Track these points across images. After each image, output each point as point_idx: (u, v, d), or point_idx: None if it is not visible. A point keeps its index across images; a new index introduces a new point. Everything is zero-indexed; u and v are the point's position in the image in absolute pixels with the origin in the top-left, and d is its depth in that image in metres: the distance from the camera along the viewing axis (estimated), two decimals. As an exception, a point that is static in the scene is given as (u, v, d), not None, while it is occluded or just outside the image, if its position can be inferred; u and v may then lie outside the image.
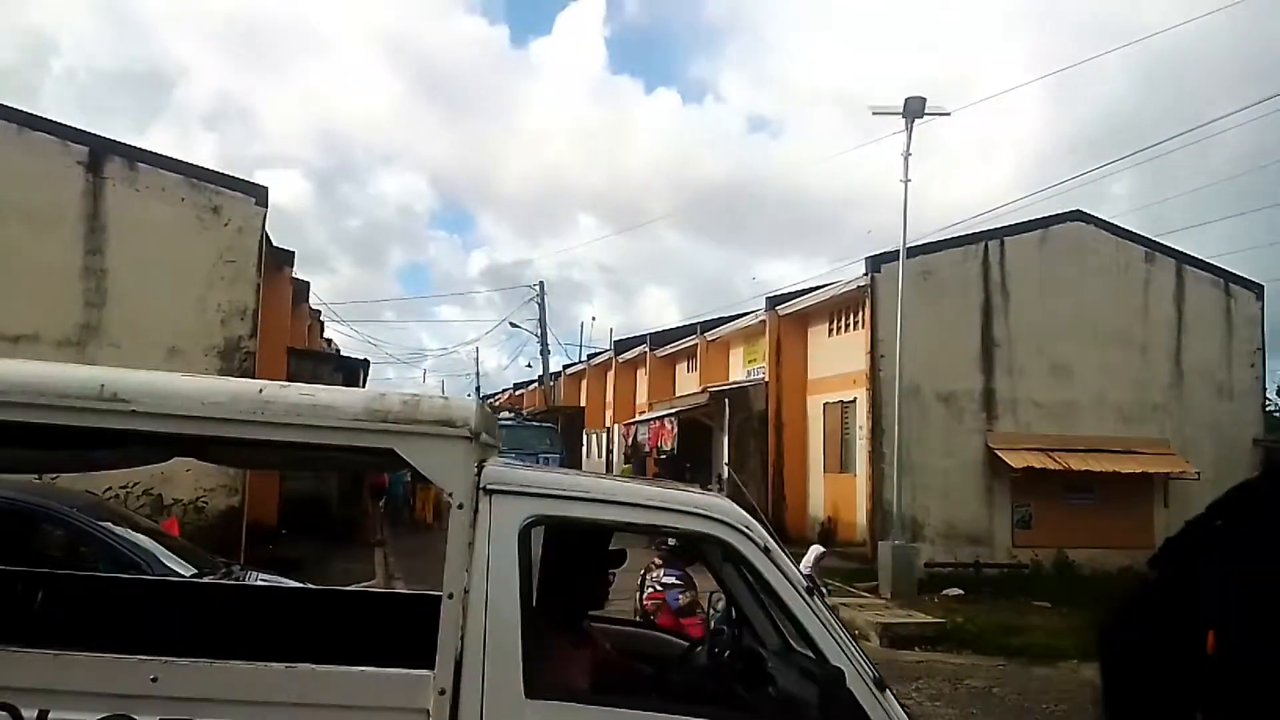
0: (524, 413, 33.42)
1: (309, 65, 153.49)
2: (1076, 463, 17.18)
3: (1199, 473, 16.80)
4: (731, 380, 25.50)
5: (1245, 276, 19.63)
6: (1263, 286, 19.52)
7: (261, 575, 7.32)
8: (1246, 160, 60.96)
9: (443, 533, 2.84)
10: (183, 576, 6.13)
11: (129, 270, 13.46)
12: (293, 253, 18.37)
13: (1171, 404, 18.37)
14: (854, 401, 19.47)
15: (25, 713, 2.57)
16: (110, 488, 11.50)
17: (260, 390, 2.86)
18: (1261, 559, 2.97)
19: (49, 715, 2.56)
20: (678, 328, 33.25)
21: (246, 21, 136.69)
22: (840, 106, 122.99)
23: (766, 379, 22.55)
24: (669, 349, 32.08)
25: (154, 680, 2.65)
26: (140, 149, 14.26)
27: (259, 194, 14.21)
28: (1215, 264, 19.59)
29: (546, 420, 29.01)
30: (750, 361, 25.71)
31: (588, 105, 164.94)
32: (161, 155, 14.22)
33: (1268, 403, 21.84)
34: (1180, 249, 19.63)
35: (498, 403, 38.29)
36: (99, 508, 6.99)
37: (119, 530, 6.32)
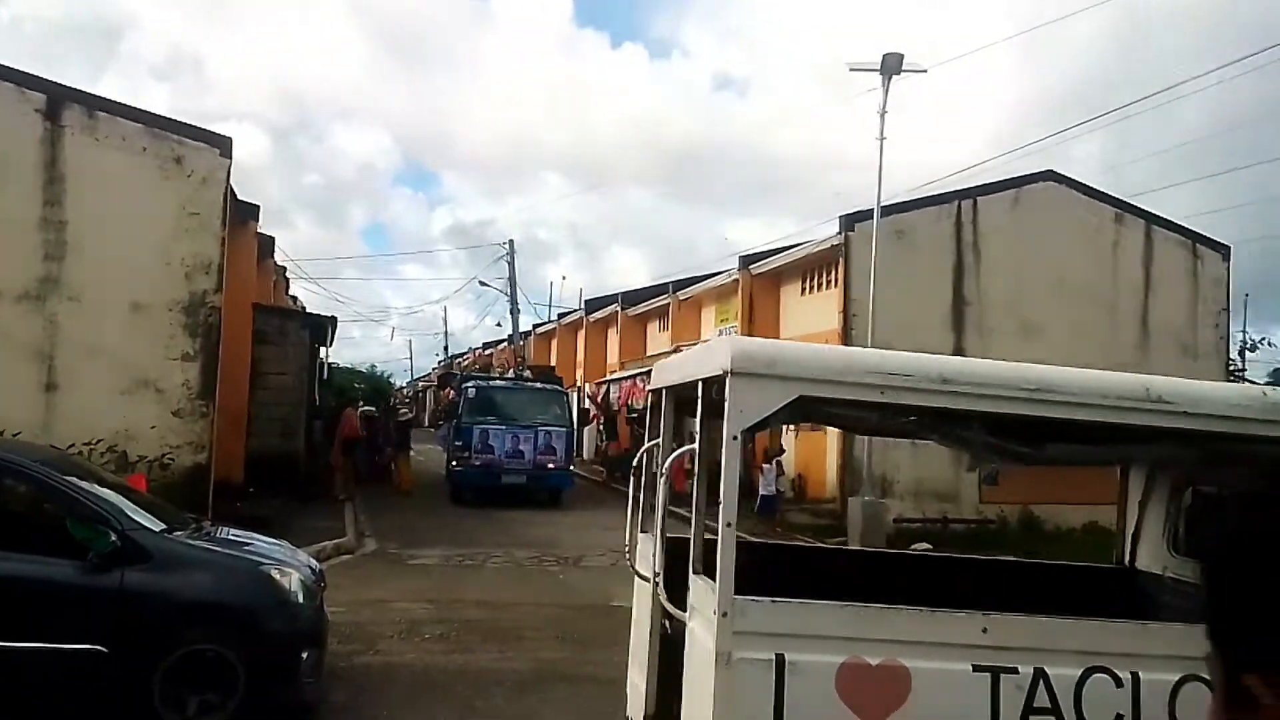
0: (522, 372, 24.72)
1: (265, 15, 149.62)
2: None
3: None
4: (703, 339, 25.47)
5: (1212, 238, 19.84)
6: (1229, 247, 19.76)
7: (232, 530, 7.22)
8: (1214, 123, 61.48)
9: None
10: (151, 531, 6.02)
11: (89, 222, 13.09)
12: (258, 206, 18.00)
13: (1138, 364, 18.55)
14: (825, 360, 19.52)
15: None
16: (73, 444, 11.32)
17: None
18: None
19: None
20: (649, 287, 33.14)
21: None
22: (809, 65, 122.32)
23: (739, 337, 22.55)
24: (640, 308, 31.99)
25: (984, 631, 3.32)
26: (100, 97, 13.78)
27: (223, 145, 13.82)
28: (1183, 225, 19.77)
29: (548, 380, 22.25)
30: (722, 321, 25.69)
31: (553, 60, 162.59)
32: (122, 104, 13.75)
33: (1230, 363, 22.22)
34: (1150, 210, 19.79)
35: (465, 361, 35.95)
36: (62, 461, 6.84)
37: (84, 484, 6.16)
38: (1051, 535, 16.81)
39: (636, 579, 4.86)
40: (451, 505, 18.83)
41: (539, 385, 21.40)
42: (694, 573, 3.76)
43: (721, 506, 3.42)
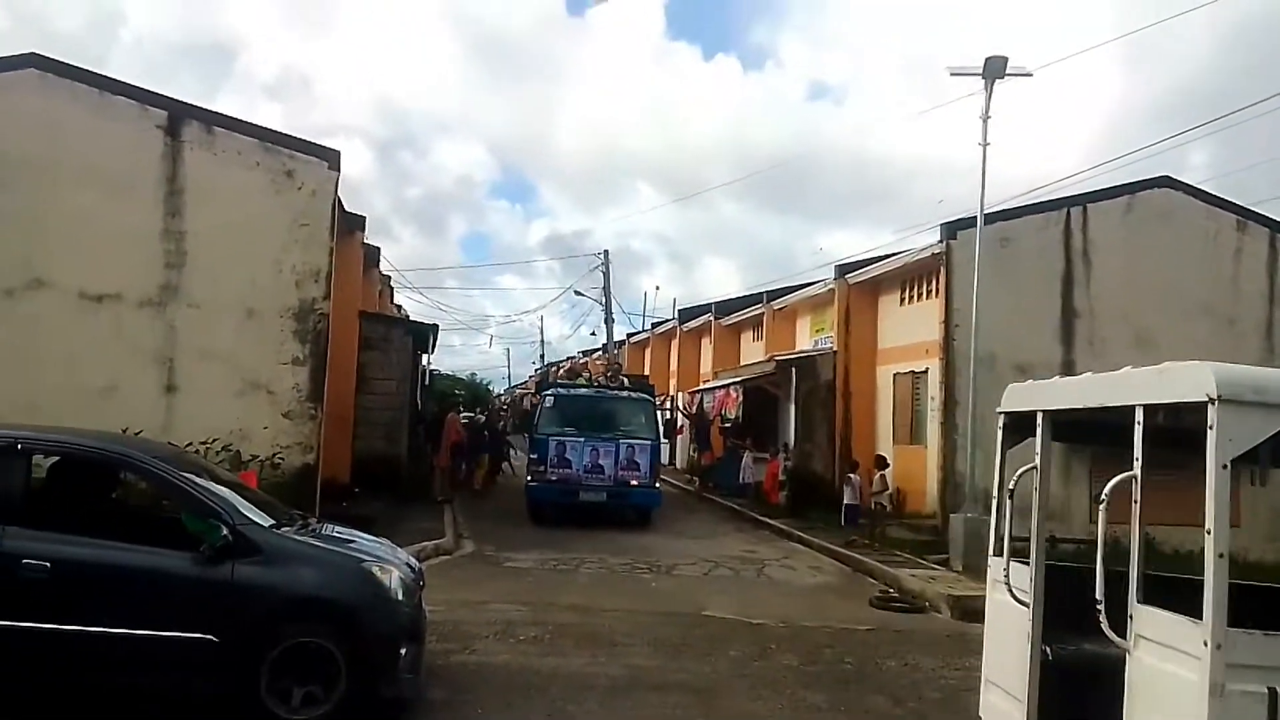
0: (613, 380, 20.86)
1: (368, 34, 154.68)
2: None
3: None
4: (798, 350, 25.18)
5: (1345, 246, 18.66)
6: (1363, 256, 18.54)
7: (337, 528, 7.42)
8: (1345, 127, 57.92)
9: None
10: (261, 526, 6.23)
11: (207, 232, 13.74)
12: (364, 218, 18.58)
13: (1262, 378, 17.61)
14: (925, 372, 19.07)
15: None
16: (190, 443, 11.81)
17: None
18: None
19: None
20: (743, 297, 32.93)
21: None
22: (904, 72, 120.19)
23: (835, 348, 22.20)
24: (734, 318, 31.82)
25: None
26: (216, 113, 14.48)
27: (331, 158, 14.34)
28: (1313, 233, 18.66)
29: (637, 389, 19.52)
30: (817, 331, 25.34)
31: (646, 73, 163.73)
32: (237, 119, 14.43)
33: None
34: (1274, 217, 18.75)
35: (564, 366, 35.52)
36: (180, 459, 7.12)
37: (200, 480, 6.42)
38: (1170, 557, 15.94)
39: (992, 603, 5.13)
40: (532, 524, 17.21)
41: (624, 394, 18.91)
42: (1138, 602, 3.76)
43: (1212, 536, 3.45)
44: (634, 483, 17.43)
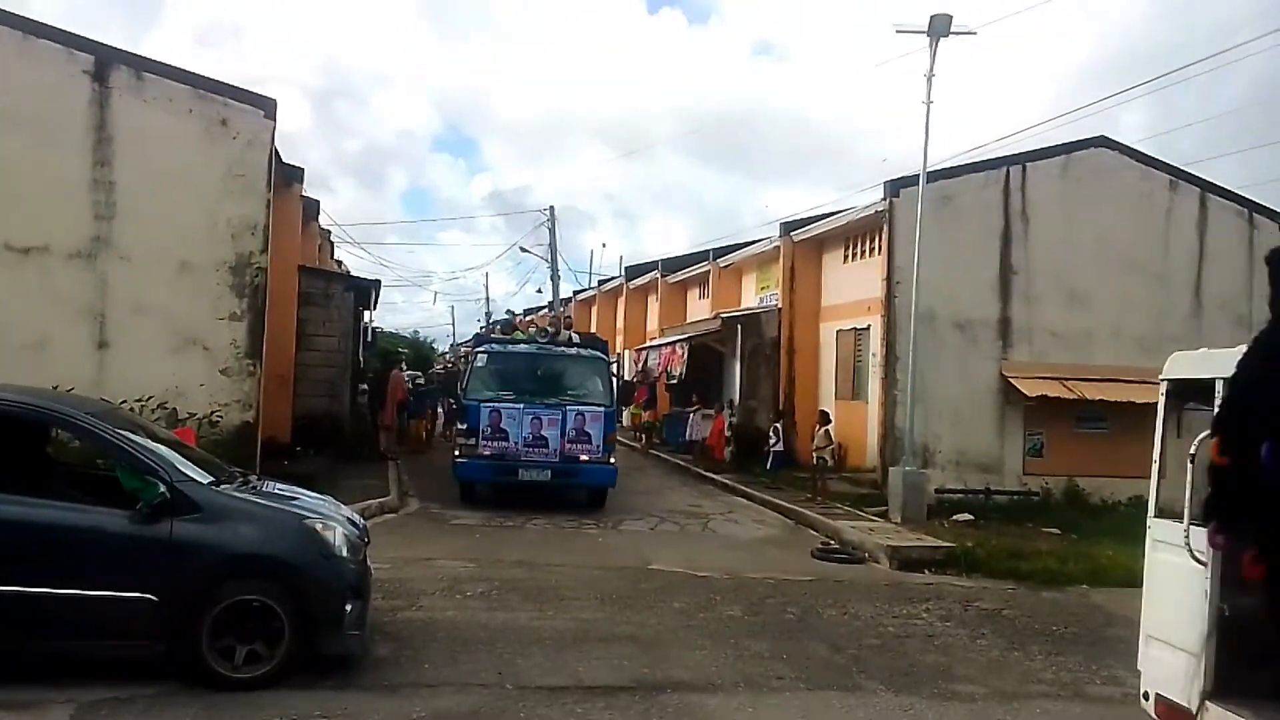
0: (557, 334, 16.70)
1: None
2: (1091, 392, 17.08)
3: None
4: (744, 307, 25.33)
5: (1270, 207, 19.24)
6: (1289, 216, 19.14)
7: (278, 485, 7.33)
8: (1266, 90, 59.45)
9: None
10: (200, 483, 6.13)
11: (138, 182, 13.28)
12: (302, 170, 18.12)
13: (1190, 335, 18.07)
14: (868, 328, 19.33)
15: None
16: (125, 400, 11.53)
17: None
18: None
19: None
20: (690, 254, 32.95)
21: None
22: (849, 29, 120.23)
23: (780, 305, 22.38)
24: (681, 275, 31.86)
25: None
26: (147, 58, 13.92)
27: (268, 106, 13.92)
28: (1240, 193, 19.19)
29: (588, 345, 16.44)
30: (763, 288, 25.49)
31: (590, 25, 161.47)
32: (169, 65, 13.90)
33: (1286, 335, 21.62)
34: (1205, 178, 19.23)
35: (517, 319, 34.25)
36: (114, 414, 6.96)
37: (136, 437, 6.28)
38: (1097, 508, 16.57)
39: (1157, 563, 5.41)
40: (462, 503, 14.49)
41: (572, 351, 15.75)
42: None
43: None
44: (584, 458, 14.38)
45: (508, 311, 33.71)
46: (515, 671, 6.66)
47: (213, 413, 13.04)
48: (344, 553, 6.29)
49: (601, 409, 14.70)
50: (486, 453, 14.18)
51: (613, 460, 14.87)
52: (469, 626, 7.70)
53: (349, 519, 6.87)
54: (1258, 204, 19.15)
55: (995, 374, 17.49)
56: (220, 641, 5.82)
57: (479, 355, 15.60)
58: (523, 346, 15.80)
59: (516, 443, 14.18)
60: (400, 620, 7.71)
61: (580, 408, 14.54)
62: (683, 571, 10.56)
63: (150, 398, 12.57)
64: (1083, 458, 17.28)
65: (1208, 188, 18.90)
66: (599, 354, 16.10)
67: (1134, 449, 17.03)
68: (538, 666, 6.83)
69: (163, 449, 6.37)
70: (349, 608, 6.14)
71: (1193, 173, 19.22)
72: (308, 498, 7.02)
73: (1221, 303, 18.36)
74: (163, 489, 5.83)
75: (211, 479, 6.37)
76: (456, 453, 14.63)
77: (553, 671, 6.77)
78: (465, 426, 14.64)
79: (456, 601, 8.55)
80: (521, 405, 14.37)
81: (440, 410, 25.63)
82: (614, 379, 16.32)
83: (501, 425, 14.21)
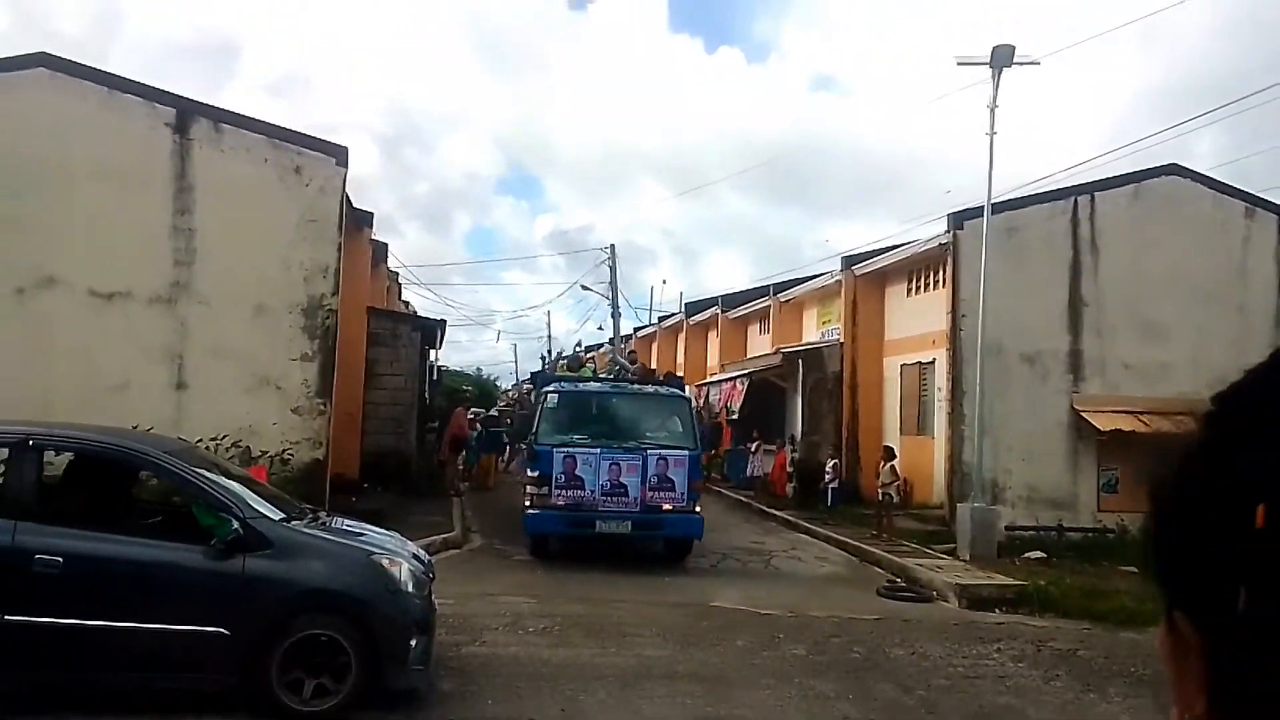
0: (628, 367, 17.47)
1: (370, 30, 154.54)
2: (1168, 426, 16.54)
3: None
4: (805, 341, 25.18)
5: (1353, 232, 18.55)
6: (1372, 242, 18.44)
7: (346, 521, 7.49)
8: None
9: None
10: (271, 520, 6.29)
11: (216, 229, 13.81)
12: (371, 214, 18.64)
13: (1271, 366, 17.52)
14: (933, 362, 19.06)
15: None
16: (200, 439, 11.89)
17: None
18: None
19: None
20: (749, 290, 32.91)
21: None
22: (909, 62, 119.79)
23: (841, 340, 22.20)
24: (741, 310, 31.81)
25: None
26: (224, 110, 14.54)
27: (339, 154, 14.39)
28: (1321, 219, 18.55)
29: (667, 382, 16.05)
30: (824, 323, 25.34)
31: (649, 66, 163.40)
32: (245, 116, 14.48)
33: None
34: (1283, 204, 18.65)
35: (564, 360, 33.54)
36: (191, 454, 7.20)
37: (211, 475, 6.49)
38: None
39: None
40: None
41: (649, 389, 14.83)
42: None
43: None
44: (667, 507, 12.99)
45: (576, 345, 33.01)
46: (578, 708, 6.67)
47: (284, 450, 13.38)
48: (409, 588, 6.40)
49: (685, 453, 13.23)
50: (560, 503, 12.81)
51: (699, 509, 13.47)
52: (531, 662, 7.74)
53: (414, 555, 6.99)
54: (1340, 229, 18.48)
55: (1066, 407, 17.06)
56: (289, 675, 5.95)
57: (549, 395, 13.80)
58: (595, 385, 14.85)
59: (593, 491, 12.82)
60: (464, 655, 7.78)
61: (662, 451, 13.11)
62: (745, 609, 10.46)
63: (225, 436, 12.95)
64: (1160, 494, 16.71)
65: (1286, 214, 18.33)
66: (679, 393, 15.02)
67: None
68: (600, 704, 6.82)
69: (236, 486, 6.58)
70: (414, 643, 6.22)
71: (1269, 199, 18.67)
72: (374, 534, 7.16)
73: (1304, 332, 17.72)
74: (236, 525, 6.00)
75: (282, 515, 6.54)
76: (527, 503, 13.08)
77: (615, 709, 6.76)
78: (536, 474, 13.05)
79: (519, 637, 8.59)
80: (599, 450, 13.00)
81: (509, 446, 25.92)
82: (696, 420, 14.81)
83: (576, 472, 12.84)
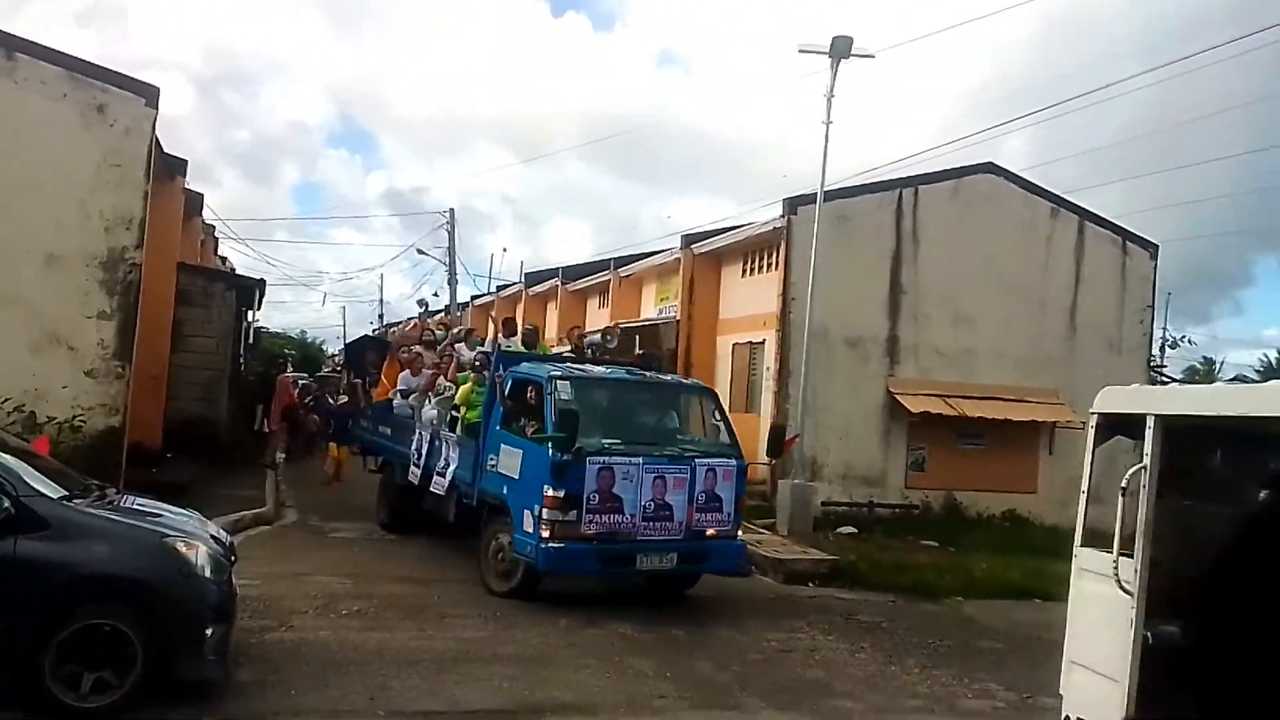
0: (606, 347, 13.98)
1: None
2: (971, 409, 17.67)
3: (1084, 422, 17.40)
4: (643, 317, 25.35)
5: (1142, 235, 20.26)
6: (1158, 246, 20.21)
7: (139, 499, 6.92)
8: (1143, 123, 62.97)
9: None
10: (49, 498, 5.73)
11: (3, 168, 12.44)
12: (185, 161, 17.28)
13: (1064, 356, 18.98)
14: (763, 343, 19.56)
15: None
16: (-22, 403, 10.78)
17: None
18: None
19: None
20: (591, 262, 32.83)
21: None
22: (755, 45, 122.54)
23: (678, 317, 22.47)
24: (581, 283, 31.70)
25: None
26: (19, 37, 13.01)
27: (149, 94, 13.22)
28: (1115, 222, 20.16)
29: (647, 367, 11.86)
30: (662, 300, 25.57)
31: (493, 25, 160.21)
32: (42, 45, 13.02)
33: (1152, 358, 22.85)
34: (1085, 206, 20.13)
35: (410, 324, 30.09)
36: (-44, 423, 6.46)
37: (-23, 448, 5.84)
38: (974, 521, 17.16)
39: (1082, 591, 5.51)
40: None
41: (672, 379, 12.02)
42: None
43: None
44: (711, 531, 9.99)
45: (421, 305, 28.66)
46: (388, 696, 6.43)
47: (75, 417, 12.27)
48: (207, 573, 5.96)
49: (734, 463, 10.24)
50: (591, 531, 9.35)
51: (742, 534, 10.82)
52: (342, 648, 7.41)
53: (214, 536, 6.53)
54: (1130, 232, 20.14)
55: (883, 390, 17.93)
56: (65, 668, 5.44)
57: (555, 383, 9.96)
58: (602, 371, 10.97)
59: (633, 515, 9.49)
60: (268, 642, 7.37)
61: (710, 461, 10.04)
62: (573, 590, 10.41)
63: (7, 400, 11.77)
64: (961, 472, 17.88)
65: (1086, 215, 19.79)
66: (706, 386, 12.57)
67: (1008, 464, 18.05)
68: (413, 690, 6.61)
69: (9, 459, 5.94)
70: (210, 631, 5.82)
71: (1072, 200, 20.09)
72: (170, 513, 6.64)
73: (1095, 327, 19.26)
74: (6, 504, 5.45)
75: (64, 493, 5.97)
76: (545, 533, 9.23)
77: (428, 694, 6.56)
78: (560, 494, 9.28)
79: (331, 620, 8.23)
80: (640, 460, 9.62)
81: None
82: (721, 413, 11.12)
83: (614, 490, 9.45)
